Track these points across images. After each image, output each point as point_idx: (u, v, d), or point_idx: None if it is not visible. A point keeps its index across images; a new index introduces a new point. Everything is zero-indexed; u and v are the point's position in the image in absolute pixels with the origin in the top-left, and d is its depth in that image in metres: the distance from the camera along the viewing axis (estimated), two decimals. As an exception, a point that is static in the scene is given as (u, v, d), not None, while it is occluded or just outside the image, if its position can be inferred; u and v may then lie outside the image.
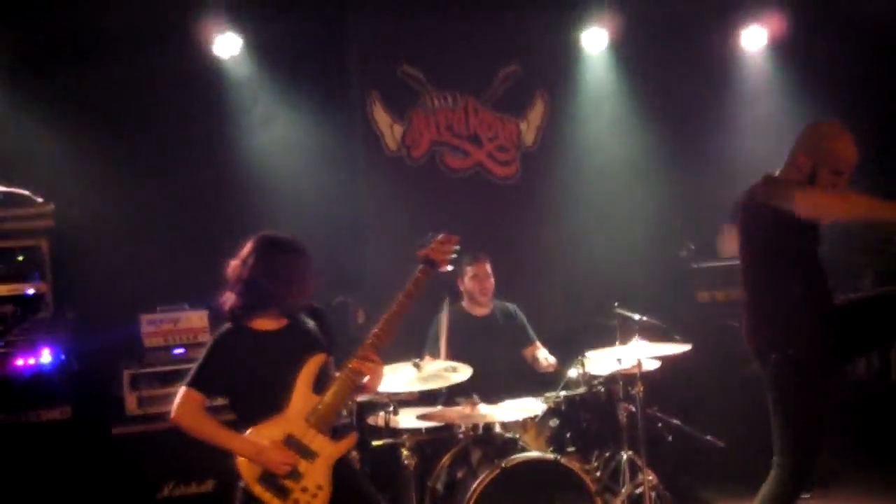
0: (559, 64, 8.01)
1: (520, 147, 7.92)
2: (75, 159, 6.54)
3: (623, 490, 6.05)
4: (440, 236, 4.46)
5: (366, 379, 4.22)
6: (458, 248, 4.47)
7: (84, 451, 5.78)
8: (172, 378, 5.91)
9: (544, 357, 6.57)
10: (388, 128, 7.55)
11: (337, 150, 7.42)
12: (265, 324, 4.20)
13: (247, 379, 4.12)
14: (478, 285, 6.64)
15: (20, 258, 5.86)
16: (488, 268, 6.66)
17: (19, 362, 5.61)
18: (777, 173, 4.72)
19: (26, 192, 5.97)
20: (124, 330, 6.16)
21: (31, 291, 5.78)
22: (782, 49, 8.20)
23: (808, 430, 4.53)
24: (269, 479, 4.02)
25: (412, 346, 6.37)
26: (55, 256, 5.96)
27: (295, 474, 4.04)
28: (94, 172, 6.57)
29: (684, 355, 6.07)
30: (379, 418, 5.75)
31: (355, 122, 7.54)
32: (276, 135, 7.24)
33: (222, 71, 7.08)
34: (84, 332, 5.94)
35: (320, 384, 4.16)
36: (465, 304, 6.72)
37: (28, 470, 5.59)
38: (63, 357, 5.75)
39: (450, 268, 4.45)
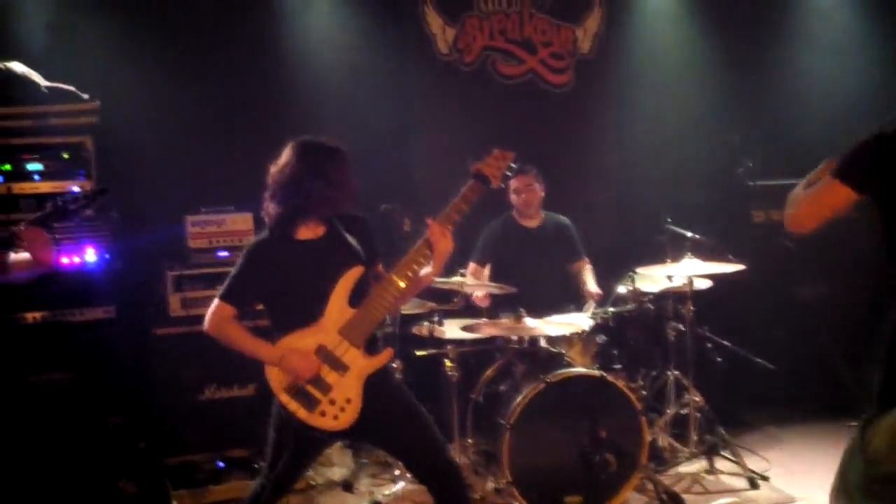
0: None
1: (575, 55, 7.70)
2: (121, 57, 6.41)
3: (668, 410, 6.00)
4: (495, 151, 4.26)
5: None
6: (512, 164, 4.26)
7: (127, 350, 5.79)
8: (217, 280, 5.82)
9: (592, 289, 6.34)
10: (441, 30, 7.35)
11: (387, 52, 7.22)
12: (304, 233, 4.09)
13: (281, 288, 4.04)
14: (519, 199, 6.45)
15: (65, 155, 5.81)
16: (531, 180, 6.42)
17: (63, 260, 5.57)
18: None
19: (72, 89, 5.89)
20: (169, 231, 6.13)
21: (76, 189, 5.74)
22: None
23: None
24: (297, 389, 3.95)
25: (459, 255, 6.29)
26: (100, 154, 5.88)
27: (323, 385, 3.95)
28: (140, 70, 6.45)
29: (738, 275, 5.92)
30: (423, 328, 5.70)
31: (406, 24, 7.33)
32: (324, 35, 7.05)
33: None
34: (128, 232, 5.89)
35: (356, 297, 4.04)
36: (514, 214, 6.55)
37: (70, 368, 5.61)
38: (107, 256, 5.72)
39: (501, 185, 4.27)
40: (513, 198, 6.48)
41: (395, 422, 4.11)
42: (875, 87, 7.46)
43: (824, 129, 7.11)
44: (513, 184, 6.37)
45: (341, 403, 3.96)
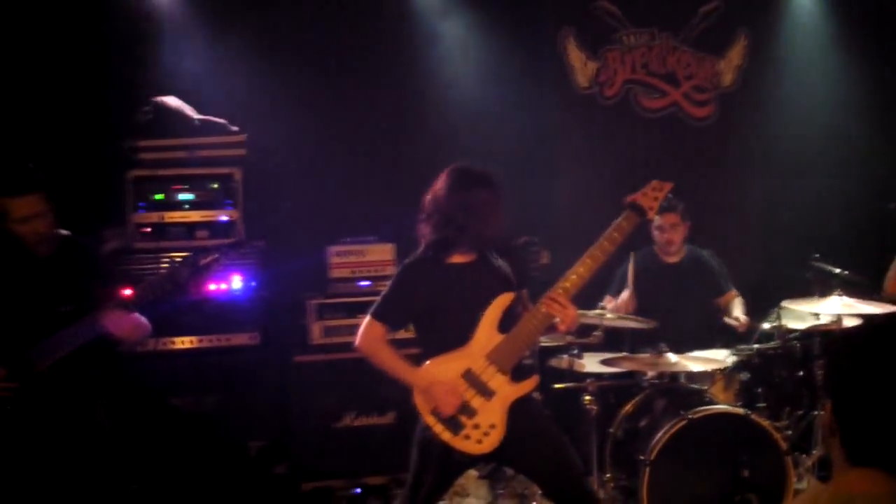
0: (763, 1, 7.59)
1: (718, 87, 7.57)
2: (267, 91, 6.57)
3: (815, 451, 5.79)
4: (652, 182, 4.21)
5: (556, 321, 4.07)
6: (670, 195, 4.21)
7: (269, 376, 5.90)
8: (357, 309, 5.95)
9: (736, 316, 6.17)
10: (582, 65, 7.32)
11: (527, 86, 7.20)
12: (457, 257, 4.12)
13: (432, 310, 4.08)
14: (662, 237, 6.30)
15: (215, 186, 5.98)
16: (676, 219, 6.25)
17: (211, 287, 5.72)
18: None
19: (222, 121, 6.08)
20: (311, 260, 6.23)
21: (224, 218, 5.91)
22: None
23: None
24: None
25: (596, 286, 6.22)
26: (247, 185, 6.04)
27: (469, 409, 3.96)
28: (285, 104, 6.59)
29: (889, 314, 5.68)
30: (563, 361, 5.66)
31: (547, 59, 7.31)
32: (460, 66, 7.09)
33: (413, 1, 6.98)
34: (273, 261, 6.01)
35: (506, 323, 4.05)
36: (656, 248, 6.42)
37: (215, 392, 5.75)
38: (253, 283, 5.86)
39: (657, 219, 4.22)
40: (655, 234, 6.33)
41: (538, 449, 4.11)
42: None
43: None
44: (657, 220, 6.19)
45: (485, 428, 3.97)
